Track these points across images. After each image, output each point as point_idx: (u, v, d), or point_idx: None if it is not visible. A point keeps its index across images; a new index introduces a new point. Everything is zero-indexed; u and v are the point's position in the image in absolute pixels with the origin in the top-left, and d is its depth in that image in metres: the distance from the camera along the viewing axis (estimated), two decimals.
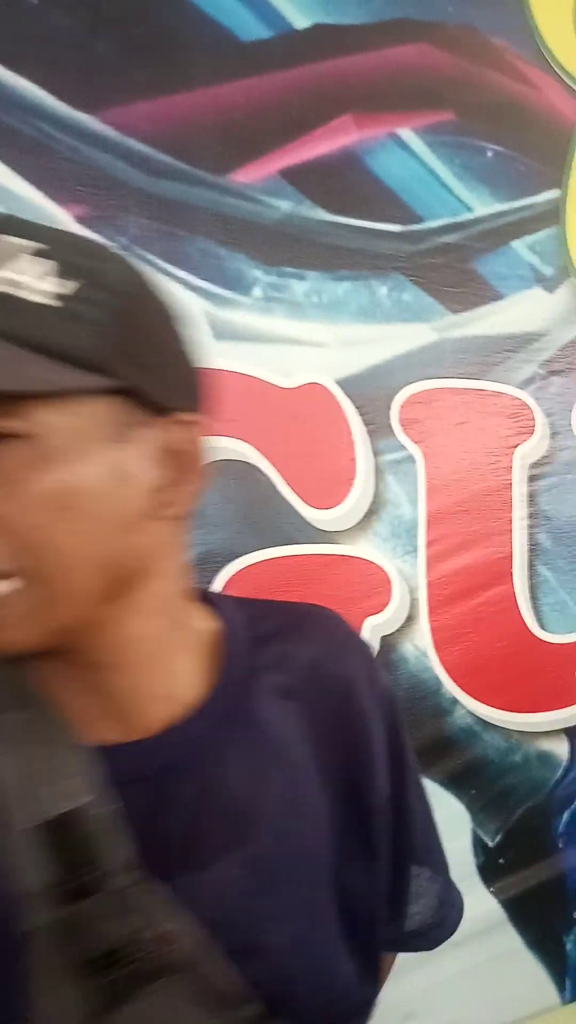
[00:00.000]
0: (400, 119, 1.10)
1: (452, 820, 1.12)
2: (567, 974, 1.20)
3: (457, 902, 0.67)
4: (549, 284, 1.19)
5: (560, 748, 1.19)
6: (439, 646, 1.10)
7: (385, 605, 1.06)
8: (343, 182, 1.05)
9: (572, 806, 1.20)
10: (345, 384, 1.05)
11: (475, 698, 1.13)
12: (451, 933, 0.66)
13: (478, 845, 1.14)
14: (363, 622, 1.05)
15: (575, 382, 1.22)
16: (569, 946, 1.20)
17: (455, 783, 1.12)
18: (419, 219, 1.10)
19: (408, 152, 1.09)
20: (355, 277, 1.06)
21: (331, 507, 1.04)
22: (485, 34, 1.13)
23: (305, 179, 1.02)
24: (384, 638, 1.07)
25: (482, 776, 1.14)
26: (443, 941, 0.65)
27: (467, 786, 1.13)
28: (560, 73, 1.17)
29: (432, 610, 1.10)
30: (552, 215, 1.19)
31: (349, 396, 1.05)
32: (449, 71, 1.12)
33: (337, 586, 1.04)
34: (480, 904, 1.14)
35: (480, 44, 1.13)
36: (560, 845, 1.19)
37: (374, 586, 1.06)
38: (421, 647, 1.09)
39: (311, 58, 1.03)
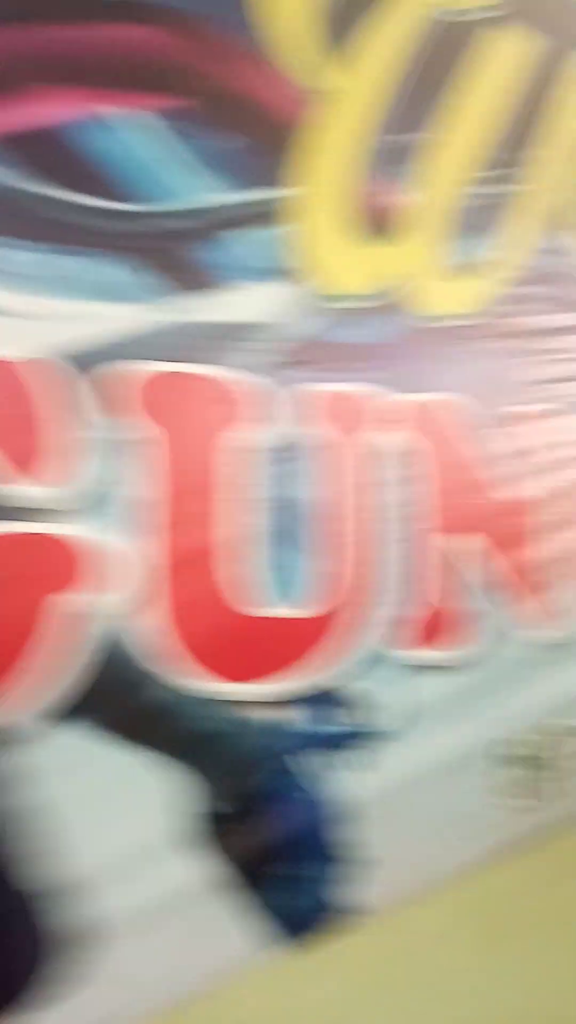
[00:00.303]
0: (128, 98, 1.09)
1: (174, 792, 1.14)
2: (276, 928, 1.27)
3: None
4: (278, 277, 1.24)
5: (286, 716, 1.26)
6: (162, 625, 1.12)
7: (104, 585, 1.07)
8: (62, 156, 1.04)
9: (284, 771, 1.27)
10: (58, 361, 1.04)
11: (202, 672, 1.16)
12: None
13: (207, 813, 1.18)
14: (77, 601, 1.04)
15: (307, 372, 1.29)
16: (275, 903, 1.27)
17: (181, 755, 1.15)
18: (145, 201, 1.10)
19: (137, 134, 1.09)
20: (74, 253, 1.05)
21: (42, 486, 1.02)
22: (219, 25, 1.15)
23: (17, 148, 0.99)
24: (106, 619, 1.07)
25: (208, 747, 1.18)
26: None
27: (193, 758, 1.16)
28: (289, 71, 1.22)
29: (157, 589, 1.12)
30: (280, 211, 1.24)
31: (64, 373, 1.04)
32: (180, 57, 1.14)
33: (44, 565, 1.02)
34: (201, 870, 1.17)
35: (213, 35, 1.15)
36: (275, 808, 1.26)
37: (84, 565, 1.06)
38: (143, 626, 1.11)
39: (25, 21, 1.00)
